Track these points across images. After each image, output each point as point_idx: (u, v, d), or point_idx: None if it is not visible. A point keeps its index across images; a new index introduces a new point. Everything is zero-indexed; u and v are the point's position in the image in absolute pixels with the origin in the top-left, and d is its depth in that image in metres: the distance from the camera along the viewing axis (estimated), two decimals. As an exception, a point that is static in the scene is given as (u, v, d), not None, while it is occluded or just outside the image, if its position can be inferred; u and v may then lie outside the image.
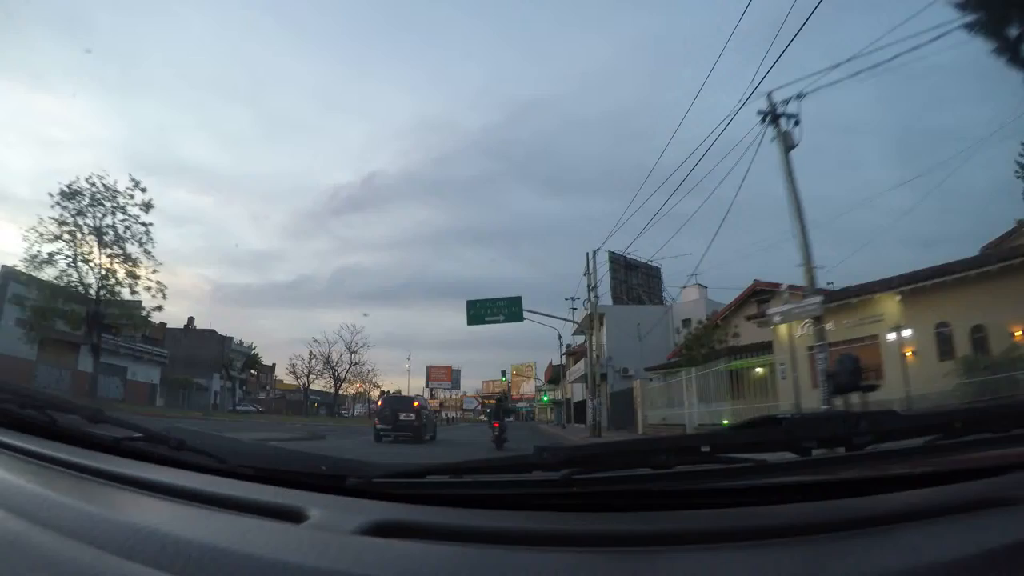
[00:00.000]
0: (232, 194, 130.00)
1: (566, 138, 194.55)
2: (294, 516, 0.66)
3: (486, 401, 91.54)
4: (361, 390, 66.75)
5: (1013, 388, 9.51)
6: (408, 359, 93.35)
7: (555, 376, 47.69)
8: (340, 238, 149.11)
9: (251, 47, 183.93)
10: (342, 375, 57.57)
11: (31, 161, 69.65)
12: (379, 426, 14.60)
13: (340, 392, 62.74)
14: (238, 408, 46.35)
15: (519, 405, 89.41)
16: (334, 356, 58.06)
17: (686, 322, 25.49)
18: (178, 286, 78.12)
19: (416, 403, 16.28)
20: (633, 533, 0.60)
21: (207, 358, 48.05)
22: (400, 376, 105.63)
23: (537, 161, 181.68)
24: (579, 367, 29.28)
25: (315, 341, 55.95)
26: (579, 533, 0.61)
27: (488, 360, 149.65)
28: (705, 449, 0.69)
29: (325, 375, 57.21)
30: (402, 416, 14.70)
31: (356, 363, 57.58)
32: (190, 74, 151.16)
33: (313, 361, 56.29)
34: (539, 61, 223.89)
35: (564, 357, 39.66)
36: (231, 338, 49.28)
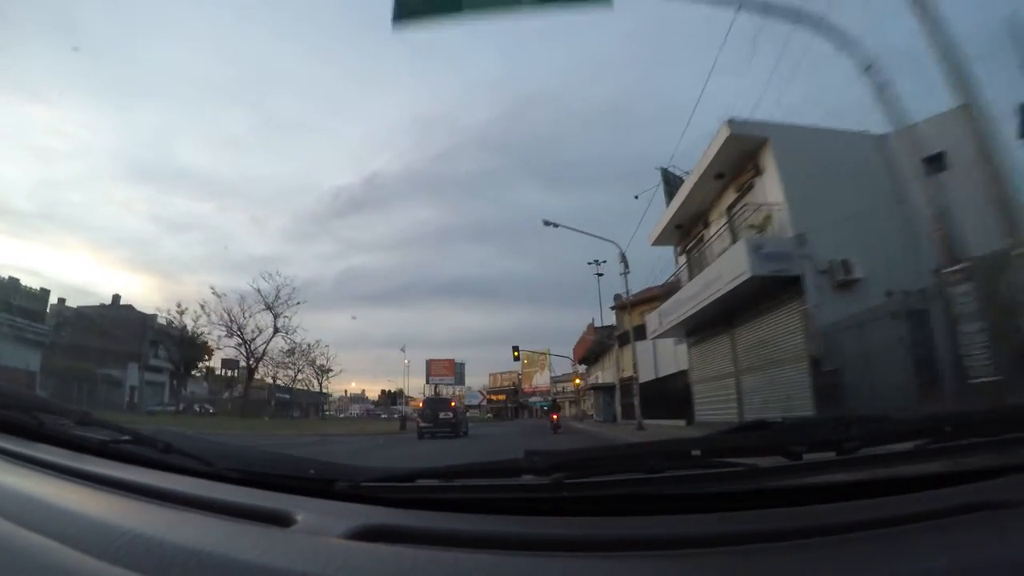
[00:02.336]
0: (233, 199, 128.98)
1: (567, 131, 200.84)
2: (282, 520, 0.67)
3: (493, 397, 75.88)
4: (299, 381, 46.90)
5: None
6: (403, 350, 77.79)
7: (595, 350, 31.75)
8: (343, 240, 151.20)
9: (248, 48, 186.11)
10: (257, 349, 38.29)
11: (29, 173, 68.69)
12: (422, 424, 17.27)
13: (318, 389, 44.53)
14: (155, 408, 35.36)
15: (532, 399, 73.64)
16: (244, 318, 38.77)
17: (934, 160, 9.73)
18: (182, 294, 78.58)
19: (452, 403, 18.51)
20: (623, 538, 0.61)
21: (123, 343, 31.96)
22: (398, 374, 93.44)
23: (538, 155, 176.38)
24: (674, 306, 14.05)
25: (215, 294, 38.16)
26: (568, 538, 0.62)
27: (493, 357, 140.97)
28: (696, 453, 0.72)
29: (224, 346, 40.03)
30: (441, 415, 17.22)
31: (281, 330, 38.30)
32: (187, 79, 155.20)
33: (203, 320, 38.23)
34: (541, 54, 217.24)
35: (616, 312, 24.56)
36: (154, 316, 34.05)
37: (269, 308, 36.99)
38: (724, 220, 13.89)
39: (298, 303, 37.72)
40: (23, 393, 1.13)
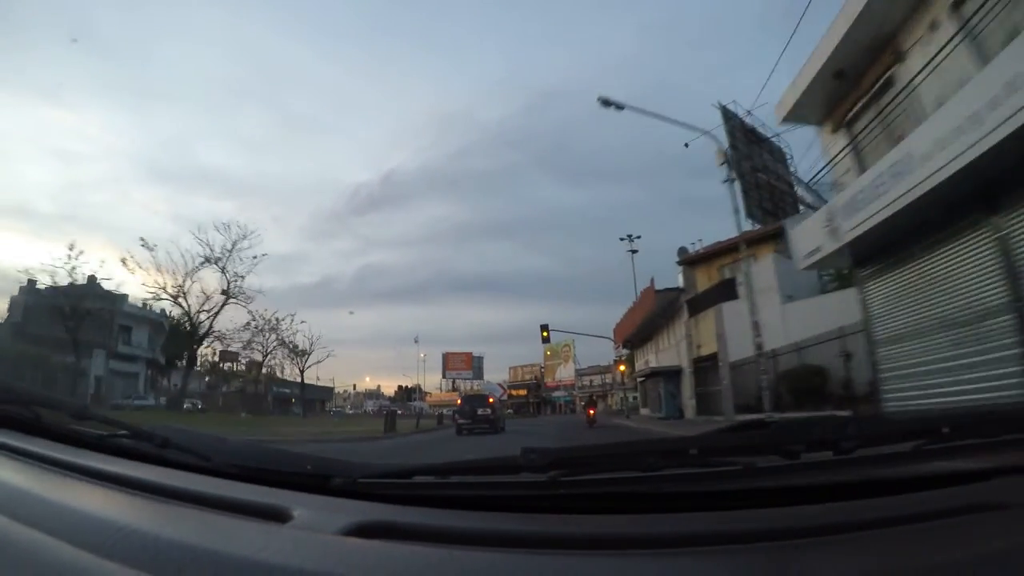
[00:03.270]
0: (253, 198, 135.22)
1: (586, 126, 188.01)
2: (278, 516, 0.68)
3: (513, 392, 70.04)
4: (269, 365, 38.56)
5: None
6: (416, 341, 72.54)
7: (650, 324, 24.70)
8: (362, 237, 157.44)
9: (266, 51, 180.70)
10: (201, 319, 30.29)
11: (52, 176, 67.92)
12: (460, 421, 17.33)
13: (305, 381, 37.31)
14: (135, 402, 29.34)
15: (555, 394, 68.04)
16: (186, 278, 28.85)
17: None
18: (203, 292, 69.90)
19: (491, 399, 18.56)
20: (619, 536, 0.62)
21: (88, 326, 26.25)
22: (418, 370, 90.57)
23: (557, 150, 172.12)
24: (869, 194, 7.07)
25: (145, 246, 28.09)
26: (564, 536, 0.63)
27: (512, 353, 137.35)
28: (693, 452, 0.73)
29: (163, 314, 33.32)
30: (479, 411, 17.09)
31: (234, 295, 30.05)
32: (205, 82, 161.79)
33: (105, 273, 31.86)
34: (557, 50, 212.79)
35: (683, 270, 18.07)
36: (125, 296, 28.30)
37: (211, 261, 27.29)
38: (954, 26, 7.31)
39: (255, 258, 28.87)
40: (20, 387, 1.11)
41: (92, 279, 34.37)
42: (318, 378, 53.89)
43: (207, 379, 45.15)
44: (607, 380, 67.14)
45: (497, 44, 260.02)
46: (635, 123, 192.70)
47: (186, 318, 29.11)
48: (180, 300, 28.28)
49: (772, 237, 18.71)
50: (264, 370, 41.11)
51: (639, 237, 33.11)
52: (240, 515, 0.68)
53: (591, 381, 69.41)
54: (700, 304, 20.02)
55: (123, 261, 27.40)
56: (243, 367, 41.97)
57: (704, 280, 20.80)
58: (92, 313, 29.52)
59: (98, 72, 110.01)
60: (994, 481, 0.69)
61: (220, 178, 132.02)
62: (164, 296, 27.70)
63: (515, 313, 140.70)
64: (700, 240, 21.99)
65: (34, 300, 31.93)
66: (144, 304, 33.49)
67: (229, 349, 37.18)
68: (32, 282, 33.24)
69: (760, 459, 0.74)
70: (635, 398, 34.37)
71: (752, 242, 19.46)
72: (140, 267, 26.82)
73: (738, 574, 0.54)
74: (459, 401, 19.88)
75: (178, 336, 35.76)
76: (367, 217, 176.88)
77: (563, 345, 68.78)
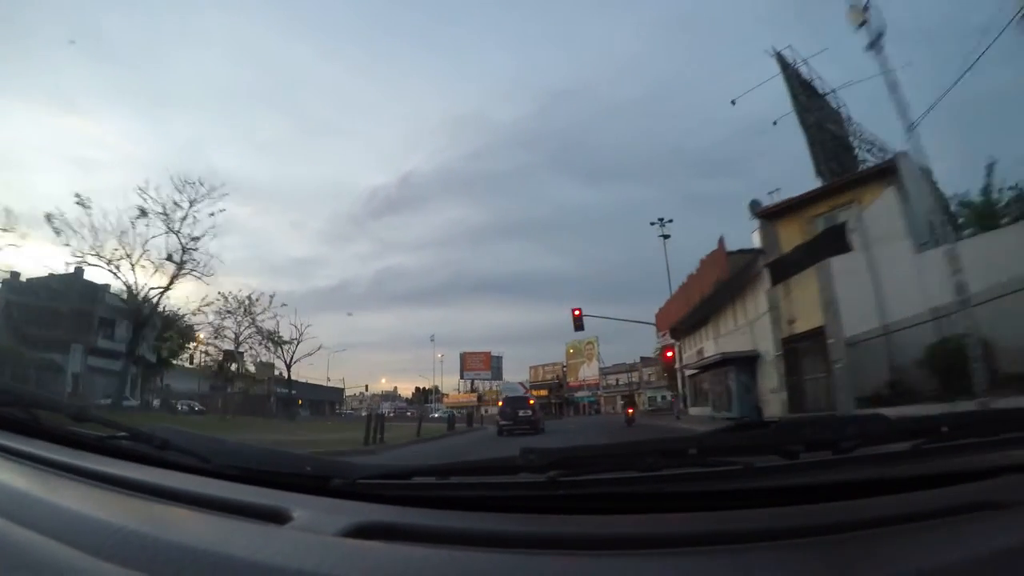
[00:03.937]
0: (270, 202, 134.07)
1: (600, 125, 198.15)
2: (278, 517, 0.70)
3: (534, 393, 65.09)
4: (248, 356, 33.07)
5: None
6: (432, 339, 67.98)
7: (714, 301, 19.81)
8: (379, 240, 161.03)
9: (281, 54, 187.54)
10: (144, 293, 25.15)
11: (68, 184, 69.62)
12: (502, 422, 18.29)
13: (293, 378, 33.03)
14: (104, 402, 24.66)
15: (578, 394, 63.07)
16: (135, 247, 23.54)
17: None
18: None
19: (531, 401, 19.96)
20: (618, 536, 0.64)
21: (66, 319, 21.99)
22: (436, 372, 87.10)
23: (572, 150, 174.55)
24: None
25: (80, 202, 22.12)
26: (563, 536, 0.65)
27: (530, 354, 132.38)
28: (692, 452, 0.75)
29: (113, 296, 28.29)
30: (520, 413, 17.92)
31: (188, 265, 24.34)
32: (221, 86, 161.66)
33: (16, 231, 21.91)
34: (568, 48, 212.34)
35: (761, 227, 13.11)
36: (106, 286, 24.67)
37: (147, 214, 21.49)
38: None
39: (212, 214, 23.07)
40: (18, 388, 1.11)
41: (79, 271, 30.88)
42: (328, 379, 50.42)
43: (215, 379, 41.99)
44: (633, 379, 62.45)
45: (506, 45, 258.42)
46: (647, 121, 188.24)
47: (127, 292, 23.38)
48: (119, 266, 22.10)
49: (880, 176, 14.47)
50: (275, 372, 37.52)
51: (671, 221, 29.08)
52: (239, 516, 0.69)
53: (617, 380, 65.42)
54: (791, 266, 14.74)
55: (48, 217, 21.46)
56: (251, 368, 38.62)
57: (794, 235, 15.55)
58: (67, 304, 26.16)
59: (114, 80, 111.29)
60: (993, 480, 0.69)
61: (236, 183, 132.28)
62: (96, 263, 22.43)
63: (533, 313, 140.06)
64: (778, 190, 17.75)
65: (12, 294, 28.84)
66: (125, 290, 29.85)
67: (231, 349, 33.52)
68: (16, 275, 30.00)
69: (760, 459, 0.75)
70: (664, 397, 29.88)
71: (853, 184, 15.04)
72: (69, 226, 20.99)
73: (738, 574, 0.54)
74: (500, 403, 20.73)
75: (169, 328, 32.21)
76: (384, 220, 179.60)
77: (586, 343, 64.95)
